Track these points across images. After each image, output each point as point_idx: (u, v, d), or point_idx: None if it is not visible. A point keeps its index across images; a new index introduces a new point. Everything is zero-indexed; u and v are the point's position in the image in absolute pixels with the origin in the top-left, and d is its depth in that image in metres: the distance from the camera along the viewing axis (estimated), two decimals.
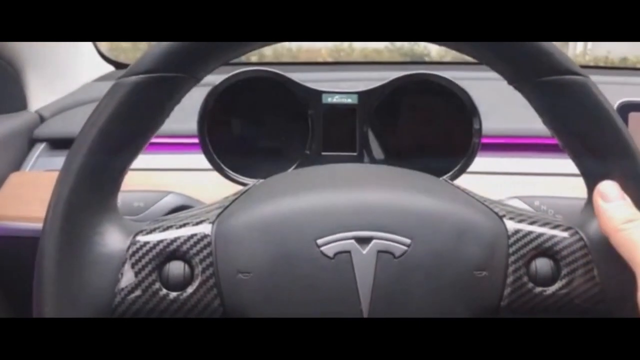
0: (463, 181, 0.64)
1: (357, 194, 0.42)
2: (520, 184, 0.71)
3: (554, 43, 0.42)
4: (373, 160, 0.65)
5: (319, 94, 0.63)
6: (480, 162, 0.68)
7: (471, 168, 0.65)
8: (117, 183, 0.41)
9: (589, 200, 0.44)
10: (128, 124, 0.40)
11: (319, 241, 0.39)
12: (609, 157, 0.41)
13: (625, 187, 0.41)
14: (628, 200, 0.41)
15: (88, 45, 1.07)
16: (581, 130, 0.42)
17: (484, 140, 0.65)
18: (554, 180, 0.72)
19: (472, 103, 0.63)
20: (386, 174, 0.47)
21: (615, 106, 0.58)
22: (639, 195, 0.41)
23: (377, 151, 0.65)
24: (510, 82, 0.43)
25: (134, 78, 0.39)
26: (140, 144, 0.41)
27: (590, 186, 0.43)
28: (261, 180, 0.47)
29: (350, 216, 0.40)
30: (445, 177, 0.64)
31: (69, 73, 0.99)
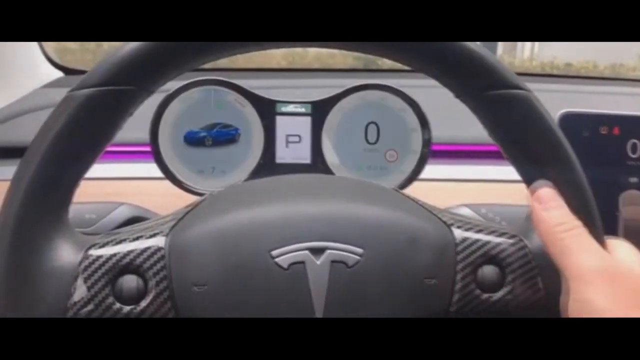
0: (416, 188, 0.66)
1: (310, 205, 0.43)
2: (473, 191, 0.73)
3: (499, 60, 0.43)
4: (326, 169, 0.66)
5: (272, 103, 0.64)
6: (434, 169, 0.69)
7: (424, 175, 0.66)
8: (69, 196, 0.41)
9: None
10: (80, 138, 0.39)
11: (274, 252, 0.40)
12: (549, 166, 0.43)
13: (564, 196, 0.43)
14: (564, 206, 0.42)
15: (36, 51, 1.04)
16: (523, 141, 0.43)
17: (438, 148, 0.66)
18: (507, 187, 0.74)
19: (421, 113, 0.64)
20: (338, 184, 0.48)
21: (557, 116, 0.61)
22: (577, 203, 0.43)
23: (331, 159, 0.66)
24: (456, 96, 0.44)
25: (86, 91, 0.39)
26: (92, 157, 0.41)
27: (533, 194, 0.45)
28: (215, 191, 0.47)
29: (304, 227, 0.41)
30: (394, 185, 0.65)
31: (16, 79, 0.96)
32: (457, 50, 0.42)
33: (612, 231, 0.60)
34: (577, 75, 1.57)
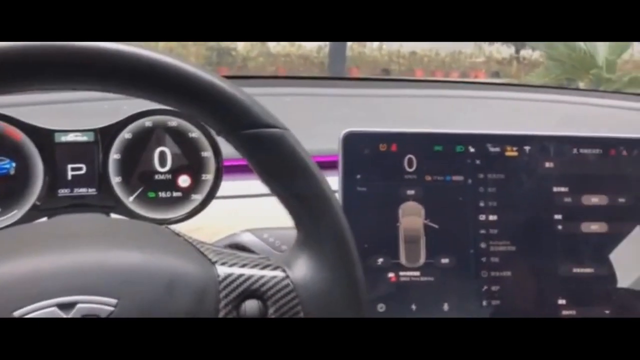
0: (213, 206, 0.66)
1: (58, 257, 0.41)
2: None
3: (254, 100, 0.44)
4: (114, 199, 0.63)
5: (50, 133, 0.61)
6: (237, 185, 0.69)
7: (224, 192, 0.66)
8: None
9: (297, 240, 0.47)
10: None
11: (16, 313, 0.38)
12: (306, 202, 0.45)
13: (321, 235, 0.45)
14: None
15: None
16: (280, 179, 0.45)
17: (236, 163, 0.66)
18: None
19: (213, 139, 0.64)
20: (96, 229, 0.47)
21: (340, 136, 0.63)
22: (333, 242, 0.46)
23: (118, 189, 0.64)
24: (217, 134, 0.44)
25: None
26: None
27: (298, 227, 0.47)
28: None
29: (51, 282, 0.39)
30: (187, 212, 0.65)
31: None
32: (213, 90, 0.42)
33: (394, 240, 0.64)
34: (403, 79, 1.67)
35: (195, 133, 0.65)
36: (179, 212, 0.65)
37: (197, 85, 0.41)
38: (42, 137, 0.61)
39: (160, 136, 0.64)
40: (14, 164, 0.61)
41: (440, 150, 0.66)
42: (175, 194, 0.65)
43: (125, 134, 0.63)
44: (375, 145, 0.65)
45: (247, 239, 0.59)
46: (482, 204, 0.66)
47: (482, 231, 0.66)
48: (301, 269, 0.45)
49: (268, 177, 0.45)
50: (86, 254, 0.42)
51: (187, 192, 0.65)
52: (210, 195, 0.65)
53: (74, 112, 0.69)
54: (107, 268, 0.41)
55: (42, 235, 0.44)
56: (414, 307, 0.64)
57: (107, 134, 0.63)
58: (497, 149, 0.67)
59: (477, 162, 0.66)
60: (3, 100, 0.61)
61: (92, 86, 0.40)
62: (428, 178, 0.65)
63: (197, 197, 0.65)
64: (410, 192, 0.65)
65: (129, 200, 0.64)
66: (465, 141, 0.66)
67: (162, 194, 0.65)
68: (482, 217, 0.66)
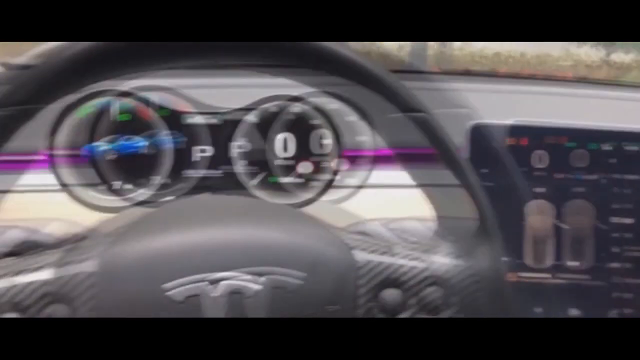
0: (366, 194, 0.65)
1: (204, 234, 0.41)
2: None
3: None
4: (236, 182, 0.63)
5: (178, 114, 0.61)
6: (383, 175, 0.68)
7: (381, 181, 0.65)
8: None
9: (477, 230, 0.45)
10: None
11: (166, 285, 0.38)
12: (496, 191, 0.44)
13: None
14: None
15: None
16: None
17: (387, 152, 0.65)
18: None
19: (336, 126, 0.63)
20: (236, 208, 0.46)
21: (468, 127, 0.61)
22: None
23: (241, 172, 0.64)
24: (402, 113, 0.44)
25: None
26: None
27: (481, 217, 0.45)
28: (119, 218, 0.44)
29: (201, 257, 0.39)
30: (307, 198, 0.64)
31: None
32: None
33: (519, 239, 0.61)
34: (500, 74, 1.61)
35: (321, 121, 0.64)
36: (299, 198, 0.64)
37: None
38: (172, 118, 0.61)
39: (284, 122, 0.64)
40: (144, 143, 0.62)
41: (573, 147, 0.62)
42: (295, 180, 0.65)
43: (251, 118, 0.63)
44: (502, 139, 0.62)
45: (373, 228, 0.57)
46: (616, 206, 0.62)
47: (616, 234, 0.62)
48: (484, 259, 0.44)
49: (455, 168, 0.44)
50: (232, 231, 0.42)
51: (308, 179, 0.65)
52: (329, 184, 0.64)
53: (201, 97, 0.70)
54: (259, 245, 0.41)
55: (183, 212, 0.44)
56: (539, 310, 0.61)
57: (233, 118, 0.63)
58: (635, 148, 0.63)
59: (613, 160, 0.62)
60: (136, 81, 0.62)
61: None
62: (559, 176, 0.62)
63: (317, 186, 0.65)
64: (539, 189, 0.62)
65: (251, 184, 0.64)
66: (600, 138, 0.62)
67: (283, 179, 0.65)
68: (616, 220, 0.62)
